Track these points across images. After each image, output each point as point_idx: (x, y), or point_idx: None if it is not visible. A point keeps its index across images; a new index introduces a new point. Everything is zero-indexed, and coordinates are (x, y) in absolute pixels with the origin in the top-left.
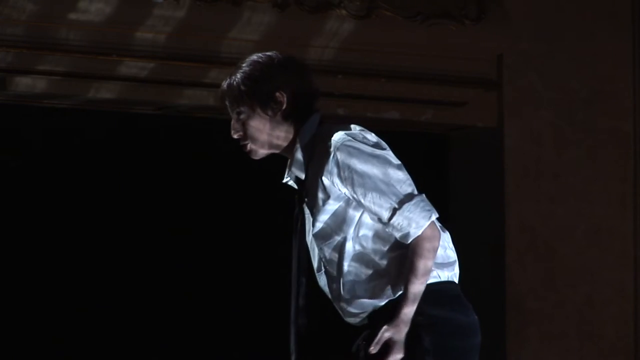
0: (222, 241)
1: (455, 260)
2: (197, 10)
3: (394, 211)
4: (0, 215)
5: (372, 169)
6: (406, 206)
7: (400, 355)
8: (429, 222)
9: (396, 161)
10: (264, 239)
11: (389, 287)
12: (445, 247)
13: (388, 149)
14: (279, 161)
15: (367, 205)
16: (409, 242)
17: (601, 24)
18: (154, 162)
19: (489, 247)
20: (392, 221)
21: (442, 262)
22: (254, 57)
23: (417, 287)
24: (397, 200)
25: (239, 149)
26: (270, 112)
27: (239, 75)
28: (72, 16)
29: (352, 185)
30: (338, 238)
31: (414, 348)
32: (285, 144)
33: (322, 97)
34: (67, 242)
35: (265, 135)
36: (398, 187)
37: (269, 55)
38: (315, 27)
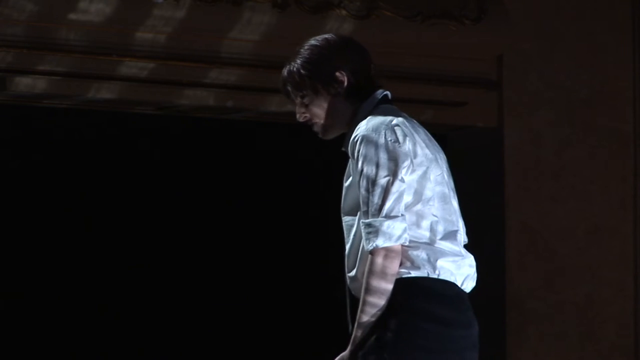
0: (222, 240)
1: (461, 258)
2: (197, 10)
3: (364, 216)
4: (0, 215)
5: (369, 169)
6: (374, 220)
7: None
8: (382, 245)
9: (400, 174)
10: (264, 238)
11: None
12: (432, 248)
13: (408, 158)
14: (279, 161)
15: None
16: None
17: (601, 24)
18: (154, 162)
19: (489, 247)
20: (361, 223)
21: (420, 262)
22: (311, 41)
23: (369, 309)
24: (369, 211)
25: (239, 149)
26: (333, 92)
27: (298, 61)
28: (72, 16)
29: (356, 175)
30: (349, 219)
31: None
32: (349, 121)
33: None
34: (68, 242)
35: (330, 114)
36: (378, 199)
37: (325, 38)
38: (315, 27)
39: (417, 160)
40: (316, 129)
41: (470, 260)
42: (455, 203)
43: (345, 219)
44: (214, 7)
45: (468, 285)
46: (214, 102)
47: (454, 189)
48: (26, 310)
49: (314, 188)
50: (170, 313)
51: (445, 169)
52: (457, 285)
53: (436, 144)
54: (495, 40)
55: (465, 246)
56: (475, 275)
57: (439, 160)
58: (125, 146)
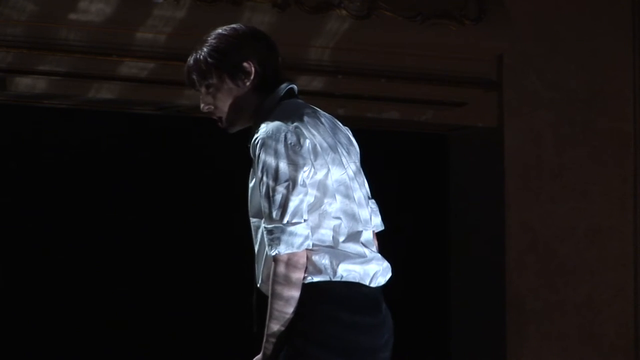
0: (222, 240)
1: (365, 259)
2: (197, 10)
3: (266, 222)
4: (0, 216)
5: (269, 175)
6: (275, 227)
7: None
8: (284, 252)
9: (301, 178)
10: None
11: None
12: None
13: (308, 160)
14: None
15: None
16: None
17: (601, 24)
18: (154, 162)
19: (489, 247)
20: (263, 229)
21: (320, 268)
22: (219, 30)
23: (276, 317)
24: (271, 216)
25: (239, 149)
26: (240, 83)
27: (205, 49)
28: (72, 16)
29: (256, 180)
30: (256, 220)
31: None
32: (253, 115)
33: (322, 97)
34: (67, 242)
35: (235, 106)
36: (279, 205)
37: (233, 27)
38: (315, 27)
39: (318, 162)
40: (220, 122)
41: (376, 257)
42: (361, 195)
43: (253, 221)
44: (214, 7)
45: (379, 281)
46: None
47: (362, 180)
48: (26, 310)
49: None
50: (173, 314)
51: (353, 161)
52: (365, 286)
53: (345, 135)
54: (495, 40)
55: (382, 233)
56: (387, 268)
57: (344, 155)
58: (125, 146)
